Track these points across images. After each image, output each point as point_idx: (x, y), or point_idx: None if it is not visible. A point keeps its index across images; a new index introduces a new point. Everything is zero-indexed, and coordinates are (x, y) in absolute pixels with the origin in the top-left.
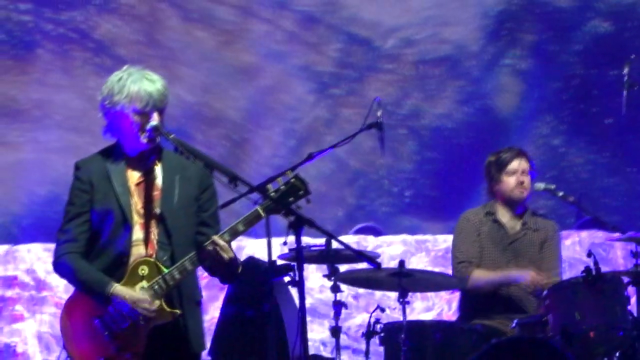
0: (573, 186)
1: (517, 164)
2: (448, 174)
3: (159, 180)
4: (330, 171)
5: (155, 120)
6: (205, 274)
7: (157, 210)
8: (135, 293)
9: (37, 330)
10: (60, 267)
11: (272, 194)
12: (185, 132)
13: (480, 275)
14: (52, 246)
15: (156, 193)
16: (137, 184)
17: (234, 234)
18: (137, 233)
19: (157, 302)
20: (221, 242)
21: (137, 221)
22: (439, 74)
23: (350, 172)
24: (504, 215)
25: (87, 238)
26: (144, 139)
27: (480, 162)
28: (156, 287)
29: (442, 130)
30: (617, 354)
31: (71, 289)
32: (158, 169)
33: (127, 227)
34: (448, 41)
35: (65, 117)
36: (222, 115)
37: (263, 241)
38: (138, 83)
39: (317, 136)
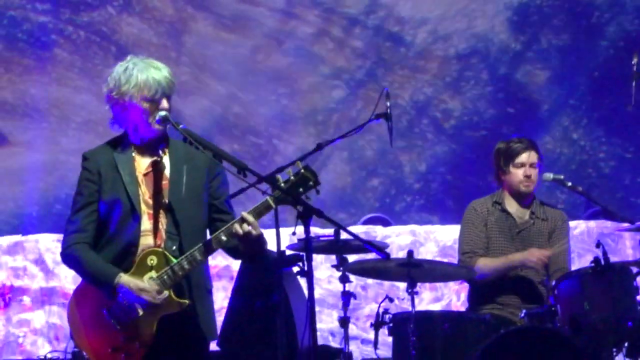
0: (593, 180)
1: (526, 157)
2: (473, 166)
3: (166, 170)
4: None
5: (164, 106)
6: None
7: (165, 200)
8: (141, 282)
9: (45, 321)
10: (68, 257)
11: (282, 185)
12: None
13: (486, 264)
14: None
15: (164, 183)
16: (145, 174)
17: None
18: (146, 223)
19: (166, 292)
20: (250, 219)
21: (145, 211)
22: (466, 68)
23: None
24: (511, 205)
25: (95, 228)
26: (154, 126)
27: None
28: (165, 277)
29: (469, 123)
30: (626, 345)
31: (79, 279)
32: (166, 159)
33: (136, 217)
34: (475, 35)
35: (85, 119)
36: (251, 120)
37: (272, 231)
38: (145, 72)
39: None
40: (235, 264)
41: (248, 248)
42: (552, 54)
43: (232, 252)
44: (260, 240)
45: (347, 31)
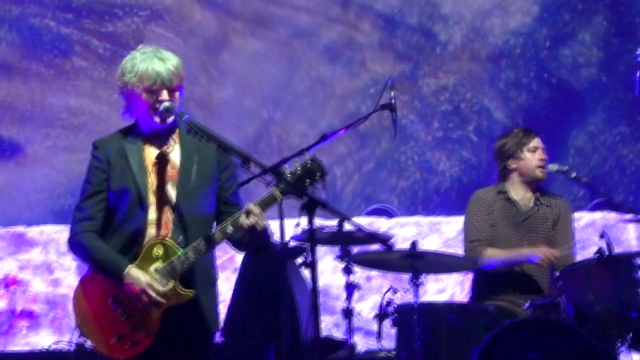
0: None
1: (538, 141)
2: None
3: (176, 160)
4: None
5: (164, 97)
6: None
7: (174, 191)
8: (148, 277)
9: (50, 310)
10: (76, 245)
11: (289, 177)
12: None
13: (494, 254)
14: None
15: (173, 172)
16: (154, 164)
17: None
18: (153, 213)
19: (171, 283)
20: (256, 210)
21: (153, 201)
22: (497, 65)
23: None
24: (516, 194)
25: (103, 217)
26: (156, 118)
27: None
28: (170, 268)
29: (495, 120)
30: (630, 335)
31: (82, 271)
32: (176, 149)
33: (143, 206)
34: (509, 31)
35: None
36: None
37: (276, 222)
38: (147, 62)
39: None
40: (239, 256)
41: (253, 240)
42: (587, 51)
43: (237, 244)
44: (265, 232)
45: (387, 32)
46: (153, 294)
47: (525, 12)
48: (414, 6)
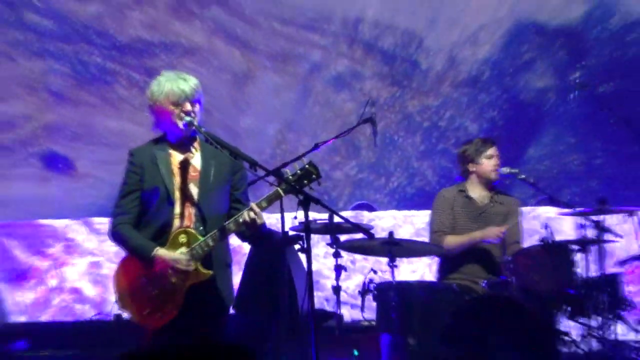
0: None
1: (493, 150)
2: None
3: (197, 164)
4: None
5: (187, 108)
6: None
7: (195, 189)
8: (175, 254)
9: (94, 287)
10: (115, 235)
11: (291, 177)
12: None
13: (452, 240)
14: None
15: (195, 174)
16: (179, 167)
17: (259, 208)
18: (178, 208)
19: (194, 265)
20: (257, 209)
21: (178, 198)
22: (471, 88)
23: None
24: (474, 192)
25: (138, 211)
26: (180, 126)
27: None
28: (193, 252)
29: (470, 134)
30: (569, 309)
31: (121, 255)
32: (197, 155)
33: (170, 202)
34: (479, 60)
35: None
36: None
37: (277, 215)
38: (172, 82)
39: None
40: (247, 244)
41: (252, 232)
42: (546, 78)
43: (241, 236)
44: (263, 226)
45: (386, 64)
46: (180, 267)
47: (492, 44)
48: (401, 40)
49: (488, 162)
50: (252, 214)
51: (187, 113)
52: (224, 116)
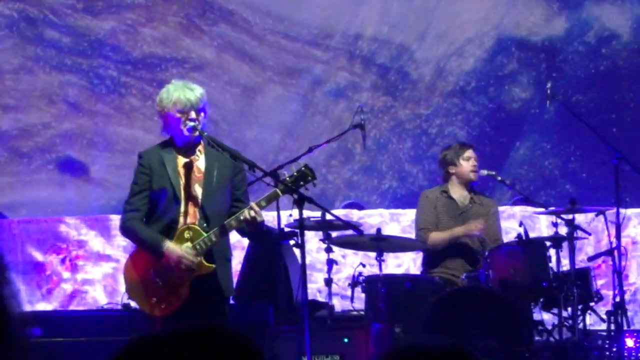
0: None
1: (471, 152)
2: None
3: (202, 166)
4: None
5: (192, 116)
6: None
7: (200, 189)
8: (181, 250)
9: (104, 279)
10: (126, 229)
11: (288, 179)
12: None
13: (436, 236)
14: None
15: (199, 175)
16: (185, 169)
17: (259, 207)
18: (183, 206)
19: (198, 258)
20: (257, 208)
21: (184, 197)
22: (458, 98)
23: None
24: (455, 193)
25: (147, 209)
26: (185, 132)
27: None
28: (198, 247)
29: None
30: (542, 300)
31: (130, 248)
32: (202, 157)
33: (177, 201)
34: (465, 71)
35: None
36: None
37: (274, 213)
38: (179, 91)
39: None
40: (246, 240)
41: (252, 229)
42: (524, 91)
43: (241, 232)
44: (262, 224)
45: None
46: (185, 261)
47: (477, 57)
48: (395, 52)
49: (466, 164)
50: (252, 213)
51: (192, 120)
52: (231, 126)
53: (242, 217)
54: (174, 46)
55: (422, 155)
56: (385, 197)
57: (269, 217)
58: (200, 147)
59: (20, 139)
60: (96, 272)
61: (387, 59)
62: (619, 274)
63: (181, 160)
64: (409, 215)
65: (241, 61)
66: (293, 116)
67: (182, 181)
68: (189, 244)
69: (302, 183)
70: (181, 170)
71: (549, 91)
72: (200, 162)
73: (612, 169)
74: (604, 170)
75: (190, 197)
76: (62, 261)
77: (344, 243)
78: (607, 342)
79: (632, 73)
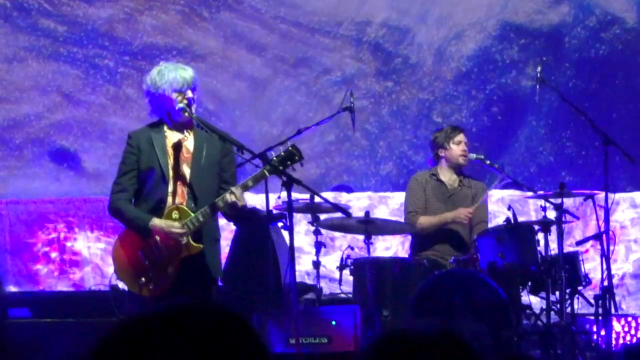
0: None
1: (462, 137)
2: None
3: (190, 147)
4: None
5: (189, 95)
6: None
7: (188, 170)
8: (168, 221)
9: (91, 260)
10: (114, 209)
11: (275, 159)
12: None
13: (425, 220)
14: None
15: (188, 156)
16: (174, 149)
17: (245, 188)
18: (172, 186)
19: (186, 239)
20: (237, 192)
21: (172, 177)
22: (459, 82)
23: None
24: (444, 176)
25: (135, 189)
26: (179, 111)
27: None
28: (185, 227)
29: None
30: (529, 284)
31: (118, 230)
32: (191, 138)
33: (165, 181)
34: (465, 56)
35: None
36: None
37: (262, 195)
38: (174, 71)
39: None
40: None
41: (233, 213)
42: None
43: (226, 216)
44: (243, 208)
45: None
46: (173, 230)
47: (478, 42)
48: (398, 37)
49: (456, 148)
50: (232, 197)
51: (189, 100)
52: (234, 116)
53: (222, 201)
54: (175, 36)
55: (422, 139)
56: (384, 180)
57: (258, 200)
58: (189, 128)
59: (12, 130)
60: (84, 253)
61: (390, 44)
62: (607, 258)
63: (170, 140)
64: (397, 198)
65: (246, 51)
66: (300, 107)
67: (171, 161)
68: (176, 224)
69: (289, 163)
70: (170, 151)
71: (539, 75)
72: (189, 142)
73: (602, 153)
74: (600, 155)
75: (178, 177)
76: (50, 242)
77: (332, 226)
78: (595, 326)
79: (635, 57)
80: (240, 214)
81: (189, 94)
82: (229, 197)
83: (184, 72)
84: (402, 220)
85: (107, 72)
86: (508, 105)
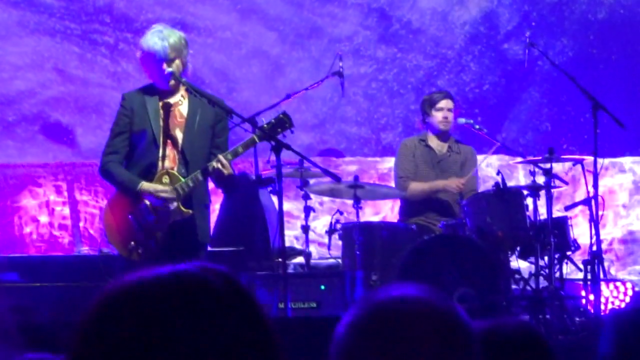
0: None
1: (444, 103)
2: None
3: (184, 111)
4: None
5: (177, 63)
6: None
7: (180, 134)
8: (158, 185)
9: (82, 224)
10: (105, 171)
11: (266, 126)
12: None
13: (416, 187)
14: None
15: (181, 120)
16: (167, 113)
17: (235, 154)
18: (163, 150)
19: (175, 203)
20: (223, 161)
21: (163, 140)
22: (463, 50)
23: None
24: (433, 142)
25: (127, 152)
26: (168, 76)
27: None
28: (175, 192)
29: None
30: (518, 248)
31: (107, 194)
32: (185, 103)
33: (156, 144)
34: (469, 22)
35: None
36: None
37: (251, 160)
38: (152, 40)
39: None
40: None
41: (220, 181)
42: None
43: (215, 182)
44: (230, 177)
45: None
46: (163, 195)
47: (480, 8)
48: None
49: (437, 114)
50: (219, 165)
51: (179, 66)
52: (240, 94)
53: (212, 167)
54: (179, 10)
55: None
56: (386, 148)
57: (247, 164)
58: (183, 93)
59: (6, 107)
60: (74, 217)
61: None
62: (596, 223)
63: (163, 104)
64: (386, 163)
65: (259, 25)
66: (303, 76)
67: (162, 124)
68: (167, 187)
69: (279, 130)
70: (162, 114)
71: (527, 40)
72: (183, 107)
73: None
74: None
75: (170, 141)
76: (39, 206)
77: (321, 190)
78: (584, 291)
79: (631, 21)
80: (227, 182)
81: (177, 61)
82: (215, 165)
83: (159, 42)
84: (392, 185)
85: (107, 49)
86: (511, 72)
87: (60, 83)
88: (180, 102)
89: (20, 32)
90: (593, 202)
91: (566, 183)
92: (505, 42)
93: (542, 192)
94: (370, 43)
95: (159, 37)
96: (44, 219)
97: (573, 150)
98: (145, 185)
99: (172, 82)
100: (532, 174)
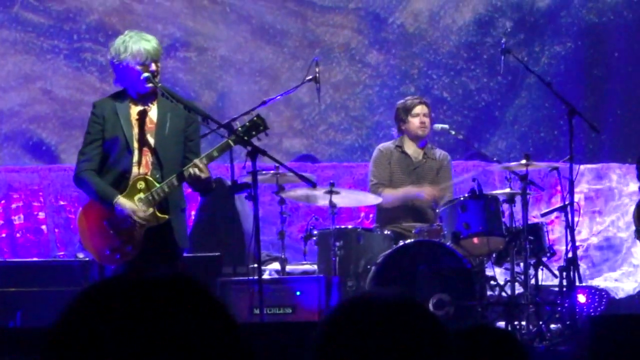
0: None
1: (420, 109)
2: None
3: (154, 116)
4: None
5: (153, 68)
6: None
7: (152, 139)
8: (133, 205)
9: (58, 230)
10: (79, 180)
11: (240, 129)
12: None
13: (389, 193)
14: None
15: (152, 126)
16: (138, 119)
17: (210, 158)
18: (137, 156)
19: (151, 209)
20: (200, 165)
21: (137, 147)
22: (456, 53)
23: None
24: (409, 148)
25: (100, 159)
26: (144, 81)
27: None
28: (150, 197)
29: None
30: (494, 255)
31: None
32: (154, 108)
33: (129, 151)
34: (463, 26)
35: None
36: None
37: (227, 165)
38: (138, 43)
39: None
40: None
41: (197, 185)
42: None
43: (191, 186)
44: (206, 180)
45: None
46: (136, 217)
47: (475, 11)
48: (393, 5)
49: (414, 120)
50: (196, 170)
51: (152, 72)
52: (232, 103)
53: (186, 173)
54: (177, 25)
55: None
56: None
57: (223, 169)
58: (153, 98)
59: None
60: (50, 222)
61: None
62: (571, 229)
63: (134, 110)
64: (361, 168)
65: (254, 37)
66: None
67: (135, 131)
68: (141, 194)
69: (254, 133)
70: (134, 120)
71: (504, 46)
72: (152, 112)
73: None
74: (581, 127)
75: (143, 146)
76: (16, 210)
77: (297, 196)
78: (559, 297)
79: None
80: (205, 187)
81: (153, 66)
82: (192, 170)
83: (147, 44)
84: (367, 191)
85: (96, 69)
86: (504, 77)
87: (44, 102)
88: (150, 108)
89: (7, 51)
90: (569, 208)
91: (542, 189)
92: (500, 47)
93: (518, 198)
94: (363, 48)
95: (134, 45)
96: (18, 223)
97: (551, 158)
98: (120, 200)
99: (148, 87)
100: (508, 179)
